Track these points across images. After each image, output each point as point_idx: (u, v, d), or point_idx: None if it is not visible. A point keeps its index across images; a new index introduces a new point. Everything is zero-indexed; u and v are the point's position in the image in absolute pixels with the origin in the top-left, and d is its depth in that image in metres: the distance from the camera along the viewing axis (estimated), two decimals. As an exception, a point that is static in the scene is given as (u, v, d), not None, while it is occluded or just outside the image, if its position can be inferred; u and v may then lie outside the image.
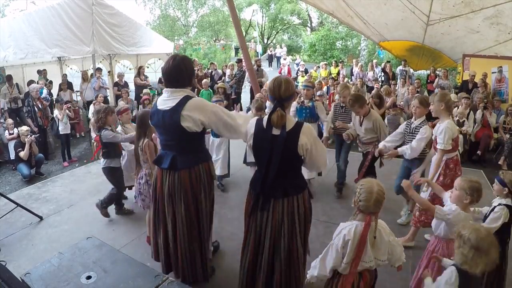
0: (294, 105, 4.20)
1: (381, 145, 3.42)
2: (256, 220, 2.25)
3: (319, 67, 11.81)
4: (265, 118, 2.17)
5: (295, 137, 2.06)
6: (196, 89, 8.31)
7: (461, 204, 2.17)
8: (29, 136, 5.28)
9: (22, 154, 5.22)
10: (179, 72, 2.29)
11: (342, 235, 1.89)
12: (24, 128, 5.45)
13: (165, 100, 2.33)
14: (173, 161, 2.37)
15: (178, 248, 2.49)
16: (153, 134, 3.10)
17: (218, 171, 4.33)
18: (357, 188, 1.88)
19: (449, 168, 2.94)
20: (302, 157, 2.11)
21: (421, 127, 3.15)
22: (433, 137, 3.08)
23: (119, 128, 3.92)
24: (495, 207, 2.33)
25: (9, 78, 7.25)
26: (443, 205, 2.33)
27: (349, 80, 10.29)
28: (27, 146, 5.22)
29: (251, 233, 2.29)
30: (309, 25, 25.98)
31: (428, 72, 9.21)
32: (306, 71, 10.95)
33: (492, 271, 2.26)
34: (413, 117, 3.29)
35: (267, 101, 2.75)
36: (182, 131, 2.26)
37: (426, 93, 8.01)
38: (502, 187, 2.32)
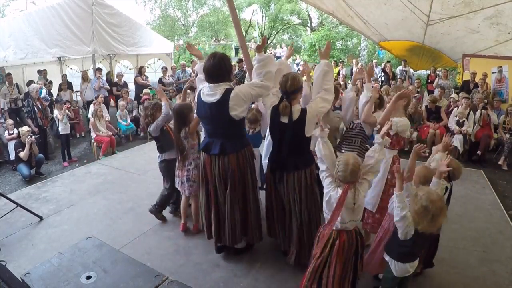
0: None
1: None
2: (276, 190, 2.80)
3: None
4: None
5: (302, 124, 2.53)
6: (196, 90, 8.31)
7: None
8: (29, 136, 5.28)
9: (22, 154, 5.21)
10: (219, 68, 2.57)
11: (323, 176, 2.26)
12: (25, 128, 5.44)
13: (209, 94, 2.61)
14: (222, 147, 2.68)
15: (230, 221, 2.85)
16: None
17: None
18: (336, 161, 2.18)
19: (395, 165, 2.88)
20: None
21: (361, 126, 3.12)
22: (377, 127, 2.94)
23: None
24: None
25: (8, 75, 7.21)
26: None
27: (349, 80, 10.28)
28: (27, 146, 5.21)
29: (273, 202, 2.85)
30: (309, 25, 25.94)
31: (428, 72, 9.20)
32: (306, 71, 10.92)
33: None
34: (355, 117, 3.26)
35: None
36: (230, 120, 2.58)
37: (426, 93, 8.00)
38: None
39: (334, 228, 2.19)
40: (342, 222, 2.15)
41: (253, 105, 3.52)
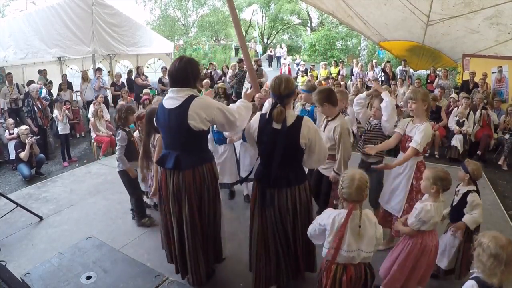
0: (298, 106, 4.16)
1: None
2: (264, 210, 2.38)
3: (314, 65, 11.86)
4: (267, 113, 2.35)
5: (297, 131, 2.24)
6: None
7: (430, 194, 2.28)
8: (29, 137, 5.28)
9: (22, 155, 5.21)
10: (185, 73, 2.35)
11: (317, 224, 2.00)
12: (23, 127, 5.44)
13: (171, 99, 2.37)
14: (177, 161, 2.38)
15: (184, 248, 2.49)
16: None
17: (226, 179, 4.01)
18: (340, 178, 1.98)
19: (420, 172, 2.77)
20: (304, 149, 2.29)
21: (379, 126, 3.15)
22: (397, 131, 2.93)
23: (136, 133, 3.85)
24: (464, 194, 2.57)
25: (8, 75, 7.21)
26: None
27: (349, 80, 10.29)
28: (27, 147, 5.21)
29: (258, 224, 2.41)
30: (309, 25, 25.97)
31: (428, 72, 9.21)
32: (306, 71, 10.94)
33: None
34: (371, 118, 3.27)
35: (267, 99, 2.84)
36: (187, 130, 2.30)
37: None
38: (465, 174, 2.59)
39: (338, 261, 1.94)
40: (348, 250, 1.88)
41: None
